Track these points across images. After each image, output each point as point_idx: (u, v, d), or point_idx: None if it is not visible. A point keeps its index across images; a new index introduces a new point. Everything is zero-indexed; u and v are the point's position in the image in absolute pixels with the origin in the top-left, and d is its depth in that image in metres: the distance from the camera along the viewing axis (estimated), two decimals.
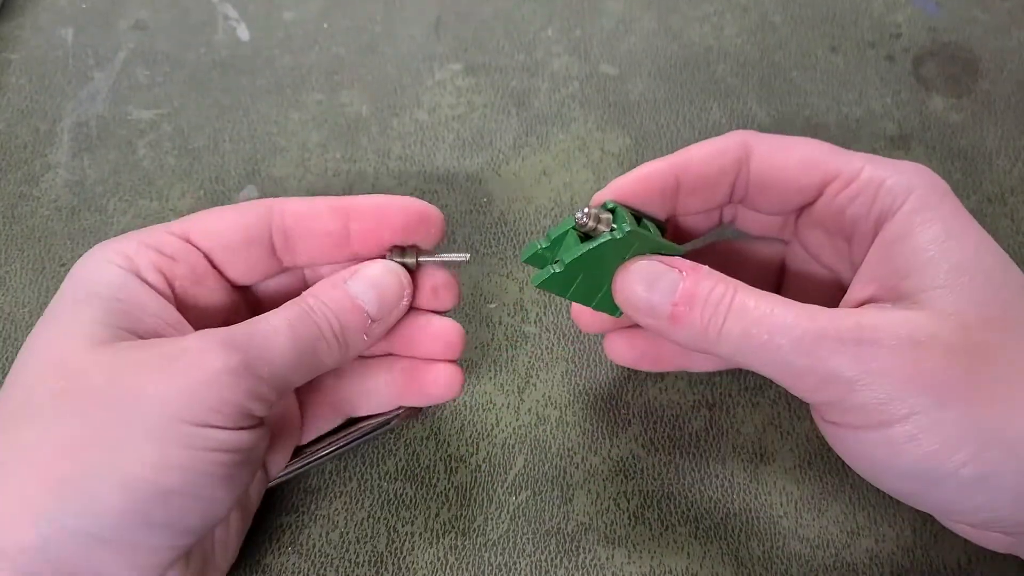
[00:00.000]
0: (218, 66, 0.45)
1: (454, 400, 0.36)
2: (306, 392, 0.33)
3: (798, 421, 0.36)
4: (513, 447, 0.35)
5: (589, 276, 0.28)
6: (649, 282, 0.27)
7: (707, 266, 0.27)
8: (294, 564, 0.33)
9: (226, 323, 0.30)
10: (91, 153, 0.42)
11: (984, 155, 0.43)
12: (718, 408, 0.36)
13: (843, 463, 0.28)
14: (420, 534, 0.34)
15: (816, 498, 0.34)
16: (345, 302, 0.29)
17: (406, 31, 0.47)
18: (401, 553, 0.33)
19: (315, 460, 0.34)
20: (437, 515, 0.34)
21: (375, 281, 0.29)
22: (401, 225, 0.30)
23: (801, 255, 0.32)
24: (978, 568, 0.33)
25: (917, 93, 0.45)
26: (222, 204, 0.41)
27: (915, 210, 0.26)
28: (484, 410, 0.36)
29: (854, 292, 0.28)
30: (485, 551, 0.33)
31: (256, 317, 0.27)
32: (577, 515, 0.34)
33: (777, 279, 0.34)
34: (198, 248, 0.29)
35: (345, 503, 0.34)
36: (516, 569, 0.33)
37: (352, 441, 0.34)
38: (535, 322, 0.38)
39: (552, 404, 0.36)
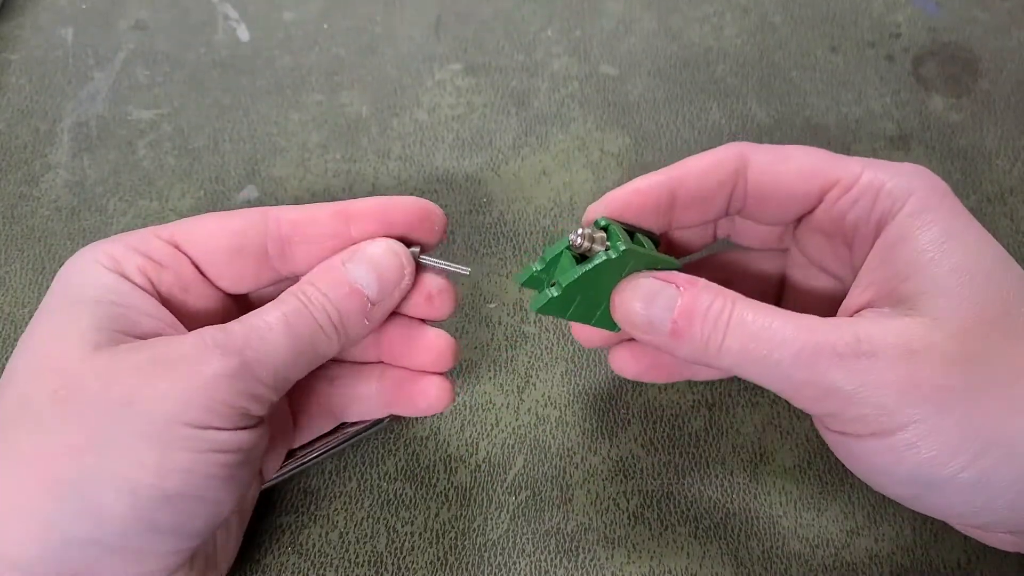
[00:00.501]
0: (218, 66, 0.45)
1: (442, 412, 0.36)
2: (298, 397, 0.32)
3: (797, 421, 0.36)
4: (513, 447, 0.35)
5: (587, 296, 0.28)
6: (647, 299, 0.27)
7: (704, 279, 0.27)
8: (294, 564, 0.33)
9: (216, 323, 0.30)
10: (91, 153, 0.42)
11: (984, 155, 0.43)
12: (718, 408, 0.36)
13: (842, 463, 0.28)
14: (420, 534, 0.34)
15: (815, 498, 0.34)
16: (343, 287, 0.28)
17: (406, 31, 0.47)
18: (401, 553, 0.33)
19: (308, 462, 0.34)
20: (437, 515, 0.34)
21: (375, 262, 0.28)
22: (404, 225, 0.29)
23: (801, 262, 0.32)
24: (978, 567, 0.33)
25: (917, 93, 0.45)
26: (222, 204, 0.41)
27: (914, 212, 0.26)
28: (484, 410, 0.36)
29: (853, 297, 0.28)
30: (485, 551, 0.33)
31: (252, 313, 0.27)
32: (577, 515, 0.34)
33: (778, 288, 0.34)
34: (186, 255, 0.29)
35: (345, 503, 0.34)
36: (516, 569, 0.33)
37: (344, 442, 0.34)
38: (535, 322, 0.38)
39: (552, 404, 0.36)
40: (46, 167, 0.42)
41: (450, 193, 0.42)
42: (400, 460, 0.35)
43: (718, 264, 0.34)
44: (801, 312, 0.32)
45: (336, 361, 0.32)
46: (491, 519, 0.34)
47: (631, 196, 0.29)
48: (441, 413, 0.36)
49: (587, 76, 0.45)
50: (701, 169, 0.29)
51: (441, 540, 0.34)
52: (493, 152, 0.43)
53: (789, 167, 0.28)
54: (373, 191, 0.41)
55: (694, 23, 0.47)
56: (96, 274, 0.27)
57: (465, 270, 0.30)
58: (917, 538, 0.34)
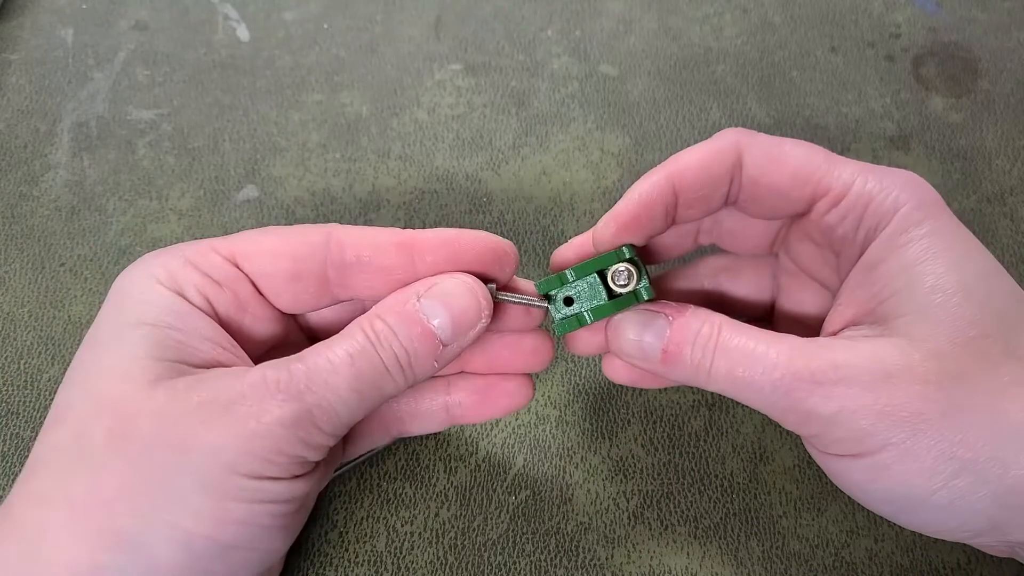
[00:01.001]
0: (218, 66, 0.45)
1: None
2: None
3: None
4: (512, 447, 0.35)
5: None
6: (638, 329, 0.28)
7: (693, 305, 0.28)
8: (293, 563, 0.33)
9: (274, 348, 0.29)
10: (91, 153, 0.42)
11: (984, 155, 0.43)
12: (717, 408, 0.36)
13: None
14: (419, 534, 0.34)
15: (815, 497, 0.34)
16: (415, 327, 0.26)
17: (406, 31, 0.47)
18: (401, 553, 0.33)
19: (344, 467, 0.34)
20: (437, 515, 0.34)
21: (451, 301, 0.26)
22: (472, 263, 0.27)
23: (791, 269, 0.32)
24: (978, 568, 0.33)
25: (917, 93, 0.45)
26: (222, 204, 0.41)
27: (896, 232, 0.26)
28: None
29: (836, 314, 0.28)
30: (485, 551, 0.33)
31: (315, 348, 0.25)
32: (576, 515, 0.34)
33: (770, 296, 0.34)
34: (245, 273, 0.28)
35: (344, 502, 0.34)
36: (516, 569, 0.33)
37: (376, 448, 0.35)
38: None
39: (552, 404, 0.36)
40: (46, 167, 0.42)
41: (450, 193, 0.42)
42: (400, 459, 0.35)
43: (709, 271, 0.34)
44: (791, 319, 0.32)
45: None
46: (491, 519, 0.34)
47: (638, 207, 0.28)
48: None
49: (587, 76, 0.45)
50: (699, 163, 0.28)
51: (441, 540, 0.34)
52: (493, 152, 0.43)
53: (783, 169, 0.28)
54: (373, 191, 0.41)
55: (694, 23, 0.47)
56: (154, 293, 0.26)
57: (543, 304, 0.29)
58: (917, 538, 0.34)
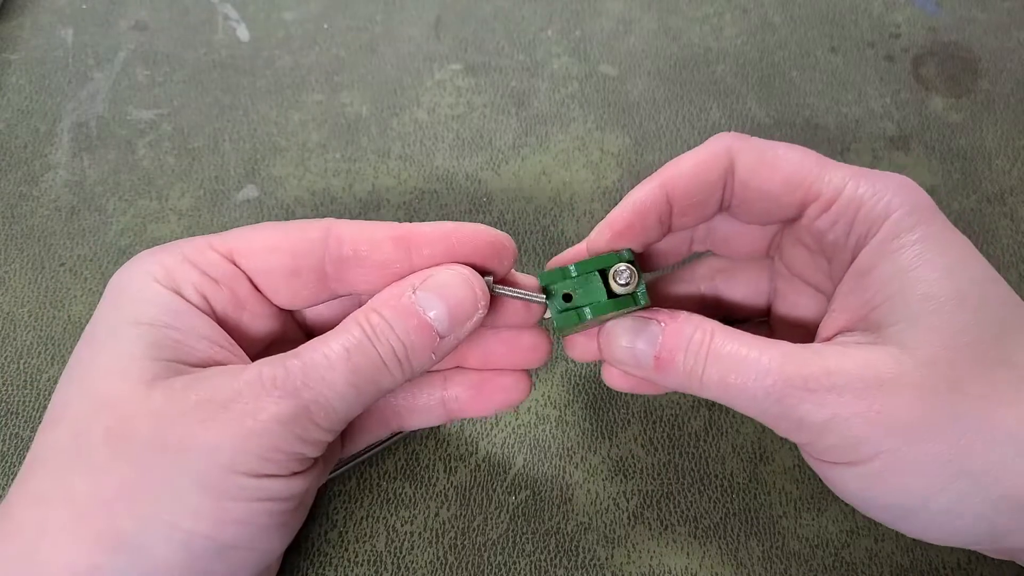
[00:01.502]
0: (218, 66, 0.45)
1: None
2: None
3: None
4: (512, 446, 0.35)
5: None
6: (631, 336, 0.28)
7: (686, 312, 0.28)
8: (293, 563, 0.33)
9: (272, 345, 0.29)
10: (91, 153, 0.42)
11: (983, 155, 0.43)
12: (717, 408, 0.36)
13: None
14: (419, 533, 0.34)
15: (815, 497, 0.34)
16: (412, 319, 0.26)
17: (406, 31, 0.47)
18: (400, 552, 0.33)
19: (344, 467, 0.34)
20: (436, 514, 0.34)
21: (447, 293, 0.26)
22: (470, 256, 0.27)
23: (785, 274, 0.32)
24: (978, 568, 0.33)
25: (917, 93, 0.45)
26: (222, 204, 0.41)
27: (887, 238, 0.26)
28: None
29: (829, 320, 0.28)
30: (485, 551, 0.33)
31: (311, 344, 0.25)
32: (576, 515, 0.34)
33: (768, 296, 0.34)
34: (242, 270, 0.28)
35: (344, 502, 0.34)
36: (516, 569, 0.33)
37: (384, 444, 0.34)
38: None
39: (552, 404, 0.36)
40: (46, 167, 0.42)
41: (450, 193, 0.42)
42: (400, 459, 0.35)
43: (706, 273, 0.34)
44: (788, 322, 0.32)
45: None
46: (491, 519, 0.34)
47: (633, 216, 0.28)
48: None
49: (587, 76, 0.45)
50: (693, 170, 0.28)
51: (441, 539, 0.34)
52: (493, 152, 0.43)
53: (774, 175, 0.28)
54: (373, 190, 0.41)
55: (694, 23, 0.47)
56: (151, 291, 0.26)
57: (541, 298, 0.28)
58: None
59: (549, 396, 0.37)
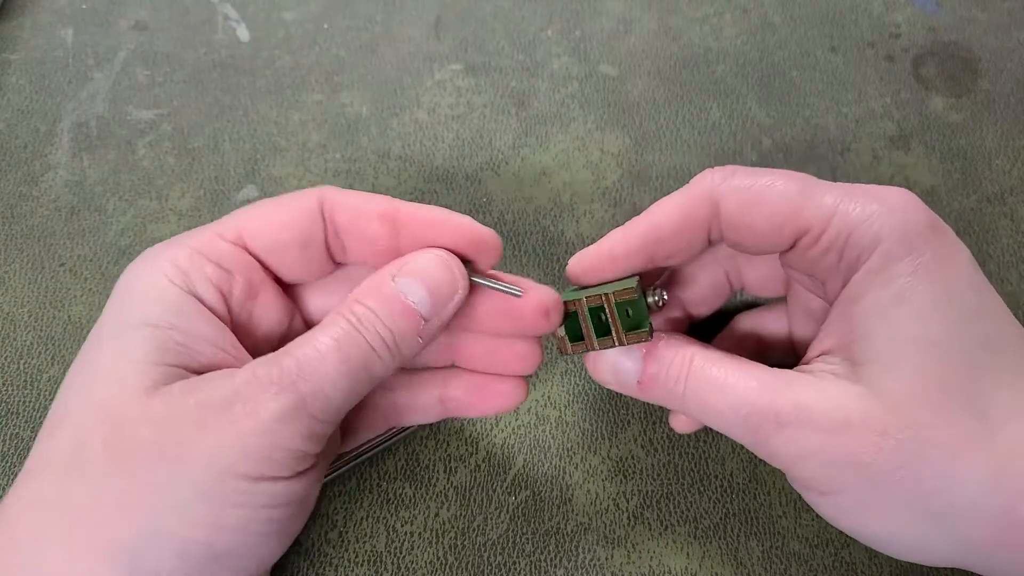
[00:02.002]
0: (218, 66, 0.45)
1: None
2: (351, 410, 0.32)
3: None
4: (512, 447, 0.35)
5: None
6: (616, 360, 0.29)
7: (668, 335, 0.29)
8: (292, 563, 0.33)
9: (280, 331, 0.29)
10: (91, 153, 0.42)
11: (983, 155, 0.43)
12: None
13: None
14: (419, 534, 0.34)
15: None
16: (395, 305, 0.26)
17: (406, 31, 0.47)
18: (400, 553, 0.33)
19: (346, 466, 0.34)
20: (436, 515, 0.34)
21: (426, 275, 0.27)
22: (453, 245, 0.28)
23: (795, 276, 0.32)
24: None
25: (917, 93, 0.45)
26: (222, 203, 0.41)
27: (875, 269, 0.26)
28: None
29: (816, 341, 0.29)
30: (485, 551, 0.33)
31: (300, 339, 0.25)
32: (576, 515, 0.34)
33: (785, 281, 0.34)
34: (252, 252, 0.28)
35: (344, 502, 0.34)
36: (516, 569, 0.33)
37: (386, 442, 0.34)
38: None
39: (552, 404, 0.36)
40: (46, 167, 0.42)
41: (450, 193, 0.42)
42: (400, 459, 0.35)
43: (727, 255, 0.34)
44: (801, 311, 0.32)
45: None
46: (491, 519, 0.34)
47: (601, 263, 0.29)
48: None
49: (587, 76, 0.45)
50: (673, 225, 0.28)
51: (441, 540, 0.34)
52: (493, 152, 0.43)
53: (759, 214, 0.27)
54: (373, 191, 0.41)
55: (694, 23, 0.47)
56: (160, 290, 0.26)
57: (518, 292, 0.28)
58: None
59: (549, 396, 0.37)
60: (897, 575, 0.33)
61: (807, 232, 0.27)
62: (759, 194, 0.27)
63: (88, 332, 0.27)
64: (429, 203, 0.41)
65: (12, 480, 0.34)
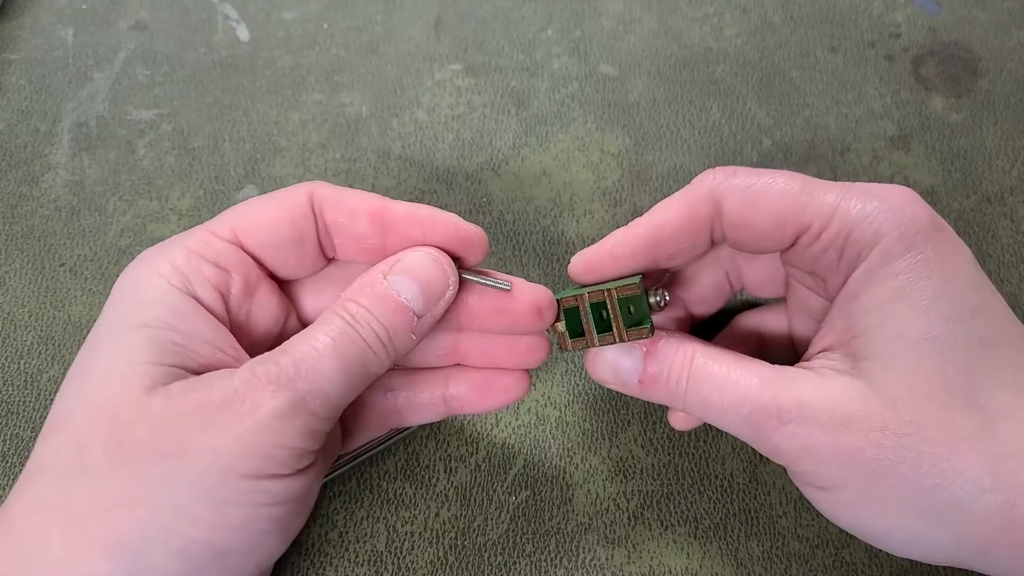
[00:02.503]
0: (218, 66, 0.45)
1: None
2: (351, 409, 0.32)
3: None
4: (513, 447, 0.35)
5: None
6: (616, 360, 0.29)
7: (667, 333, 0.29)
8: (293, 563, 0.33)
9: (277, 329, 0.29)
10: (91, 153, 0.42)
11: (983, 155, 0.43)
12: None
13: None
14: (420, 534, 0.34)
15: None
16: (388, 303, 0.26)
17: (406, 31, 0.47)
18: (401, 553, 0.33)
19: (347, 465, 0.34)
20: (437, 515, 0.34)
21: (417, 272, 0.27)
22: (441, 243, 0.28)
23: (794, 274, 0.32)
24: None
25: (917, 93, 0.45)
26: (222, 204, 0.41)
27: (874, 266, 0.26)
28: None
29: (817, 338, 0.29)
30: (485, 551, 0.33)
31: (296, 338, 0.26)
32: (577, 515, 0.34)
33: (785, 280, 0.34)
34: (247, 249, 0.28)
35: (344, 502, 0.34)
36: (516, 569, 0.33)
37: (386, 442, 0.34)
38: None
39: (552, 404, 0.36)
40: (46, 167, 0.42)
41: (450, 193, 0.42)
42: (400, 459, 0.35)
43: (728, 255, 0.34)
44: (800, 309, 0.32)
45: (393, 371, 0.31)
46: (491, 519, 0.34)
47: (602, 262, 0.30)
48: None
49: (587, 76, 0.45)
50: (676, 225, 0.29)
51: (441, 540, 0.34)
52: (493, 152, 0.43)
53: (760, 213, 0.28)
54: (373, 191, 0.41)
55: (694, 23, 0.47)
56: (157, 291, 0.26)
57: (506, 286, 0.29)
58: None
59: (549, 396, 0.37)
60: (897, 574, 0.33)
61: (808, 230, 0.27)
62: (760, 193, 0.28)
63: (88, 332, 0.27)
64: (429, 203, 0.41)
65: (12, 480, 0.34)
